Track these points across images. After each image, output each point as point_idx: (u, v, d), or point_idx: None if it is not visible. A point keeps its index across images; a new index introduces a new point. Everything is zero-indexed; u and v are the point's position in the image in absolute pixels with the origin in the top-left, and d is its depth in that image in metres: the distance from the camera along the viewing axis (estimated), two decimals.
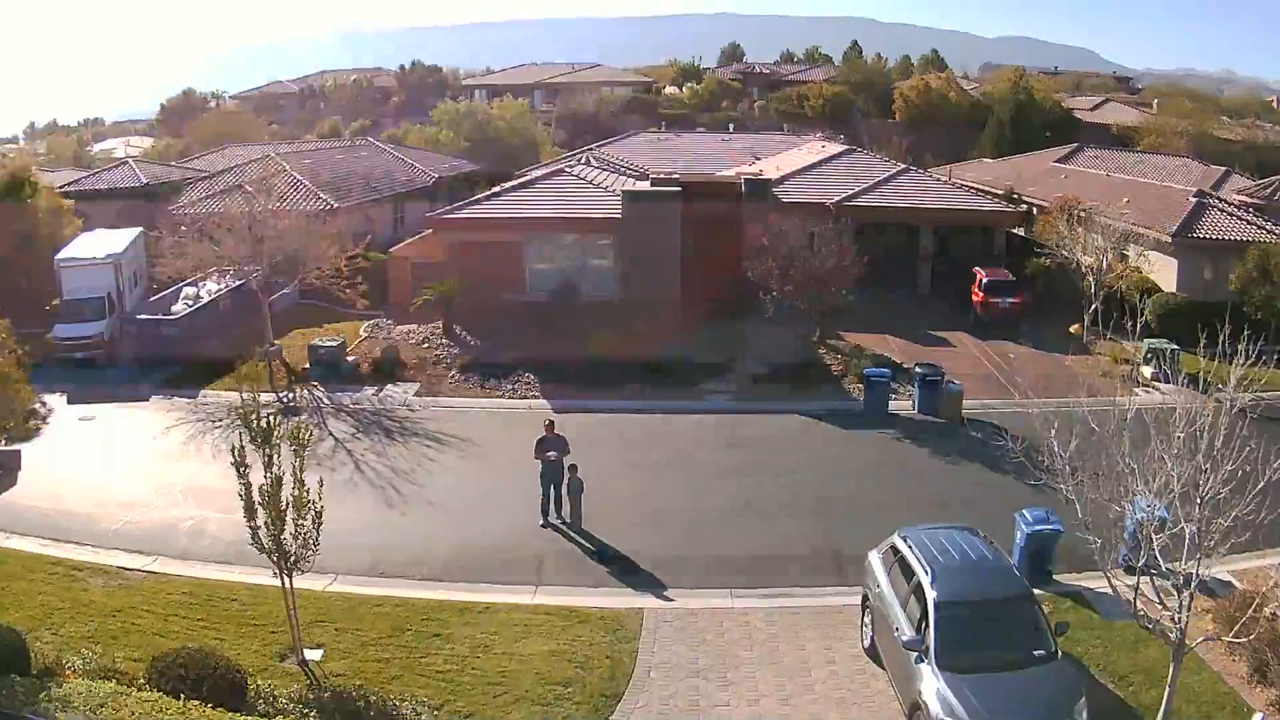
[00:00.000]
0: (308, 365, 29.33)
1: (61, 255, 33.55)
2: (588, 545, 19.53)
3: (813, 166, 40.69)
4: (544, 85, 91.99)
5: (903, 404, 26.97)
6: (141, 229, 34.93)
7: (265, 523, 14.11)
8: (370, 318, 34.39)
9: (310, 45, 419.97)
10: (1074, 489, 12.94)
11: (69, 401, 28.38)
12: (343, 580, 18.15)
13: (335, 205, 38.72)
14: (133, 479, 22.66)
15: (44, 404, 24.23)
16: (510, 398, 27.63)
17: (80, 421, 26.69)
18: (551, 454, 19.91)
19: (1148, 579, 12.63)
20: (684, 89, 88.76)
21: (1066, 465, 13.04)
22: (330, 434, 25.11)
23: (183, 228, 30.77)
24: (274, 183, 38.48)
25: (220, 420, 26.22)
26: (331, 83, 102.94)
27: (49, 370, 28.52)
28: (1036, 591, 15.74)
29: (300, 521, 14.22)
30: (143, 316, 32.01)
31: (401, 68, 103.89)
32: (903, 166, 42.90)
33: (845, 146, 46.68)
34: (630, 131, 58.66)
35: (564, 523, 20.09)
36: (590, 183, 35.72)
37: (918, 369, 26.93)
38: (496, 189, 37.21)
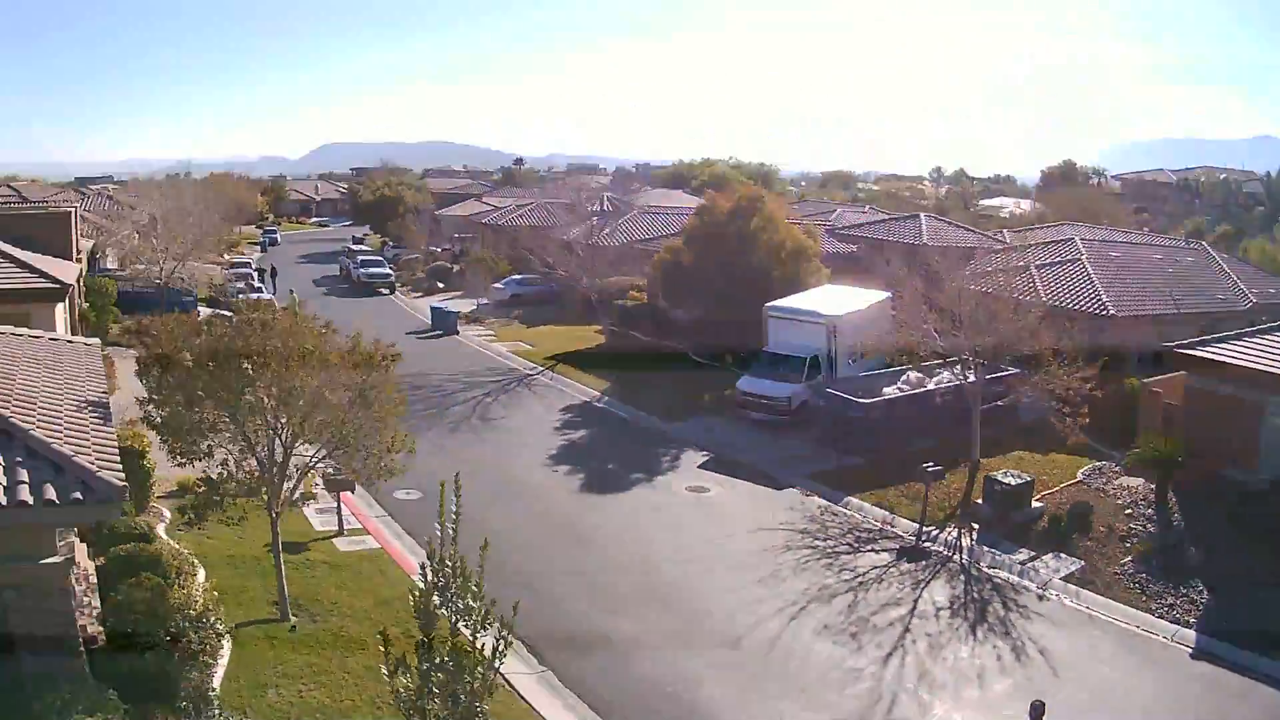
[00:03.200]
0: (980, 499, 30.33)
1: (774, 303, 40.48)
2: None
3: None
4: None
5: None
6: (889, 294, 39.01)
7: None
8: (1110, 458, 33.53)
9: None
10: None
11: (700, 465, 34.71)
12: None
13: (1112, 312, 41.03)
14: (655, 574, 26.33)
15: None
16: (1163, 617, 24.47)
17: (687, 492, 32.19)
18: None
19: None
20: None
21: None
22: (914, 602, 24.88)
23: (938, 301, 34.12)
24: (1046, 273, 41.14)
25: (835, 542, 28.46)
26: (1203, 178, 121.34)
27: (721, 425, 37.13)
28: None
29: None
30: (832, 391, 36.08)
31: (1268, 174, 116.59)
32: None
33: None
34: None
35: None
36: None
37: None
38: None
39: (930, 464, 29.58)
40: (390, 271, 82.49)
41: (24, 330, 24.04)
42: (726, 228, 46.97)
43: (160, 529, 26.17)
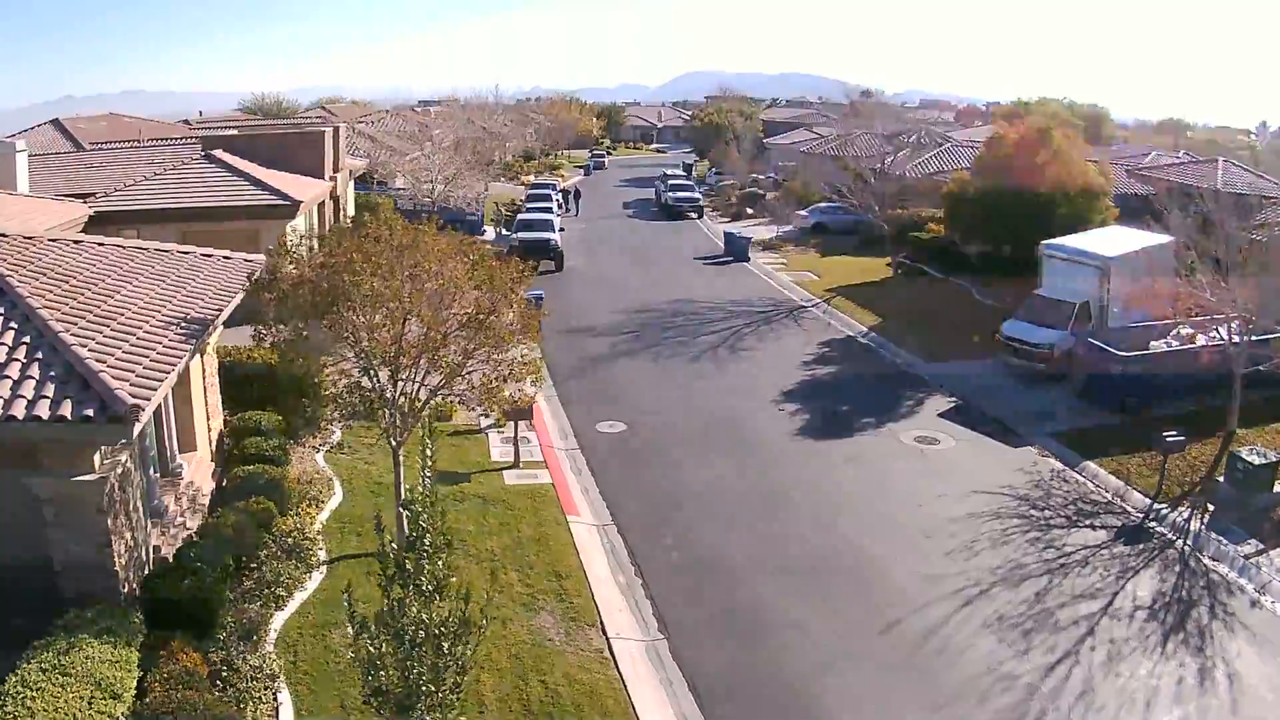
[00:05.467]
0: (1221, 476, 26.44)
1: (1050, 242, 37.65)
2: None
3: None
4: None
5: None
6: (1171, 240, 35.33)
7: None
8: None
9: None
10: None
11: (941, 414, 32.06)
12: None
13: None
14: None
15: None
16: None
17: (913, 442, 29.69)
18: None
19: None
20: None
21: None
22: (1113, 595, 21.11)
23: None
24: None
25: (1053, 513, 25.14)
26: None
27: (980, 370, 35.50)
28: None
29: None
30: (1093, 341, 32.85)
31: None
32: None
33: None
34: None
35: None
36: None
37: None
38: None
39: (1173, 433, 26.00)
40: (698, 196, 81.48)
41: (171, 246, 24.04)
42: (1013, 160, 44.47)
43: (320, 453, 25.91)
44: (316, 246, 20.27)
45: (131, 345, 17.06)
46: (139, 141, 52.60)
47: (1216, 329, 31.21)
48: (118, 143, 52.28)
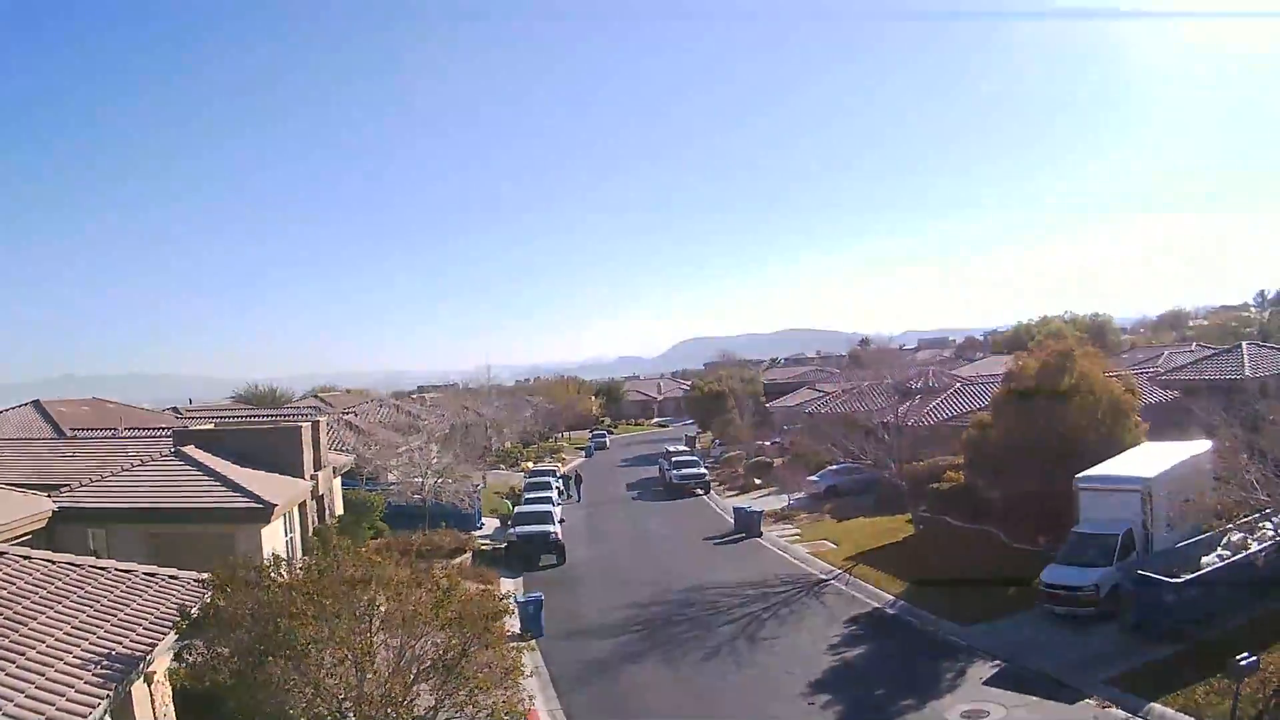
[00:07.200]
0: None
1: (1084, 474, 36.00)
2: None
3: None
4: None
5: None
6: (1210, 446, 34.28)
7: None
8: None
9: None
10: None
11: (986, 681, 29.28)
12: None
13: None
14: None
15: None
16: None
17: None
18: None
19: None
20: None
21: None
22: None
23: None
24: None
25: None
26: None
27: (1021, 623, 33.22)
28: None
29: None
30: (1142, 573, 31.10)
31: None
32: None
33: None
34: None
35: None
36: None
37: None
38: None
39: (1245, 655, 24.03)
40: (704, 472, 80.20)
41: (108, 564, 21.90)
42: (1035, 393, 42.74)
43: None
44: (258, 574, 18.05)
45: (38, 688, 14.82)
46: (116, 431, 51.74)
47: (1269, 526, 30.09)
48: (95, 430, 51.50)
